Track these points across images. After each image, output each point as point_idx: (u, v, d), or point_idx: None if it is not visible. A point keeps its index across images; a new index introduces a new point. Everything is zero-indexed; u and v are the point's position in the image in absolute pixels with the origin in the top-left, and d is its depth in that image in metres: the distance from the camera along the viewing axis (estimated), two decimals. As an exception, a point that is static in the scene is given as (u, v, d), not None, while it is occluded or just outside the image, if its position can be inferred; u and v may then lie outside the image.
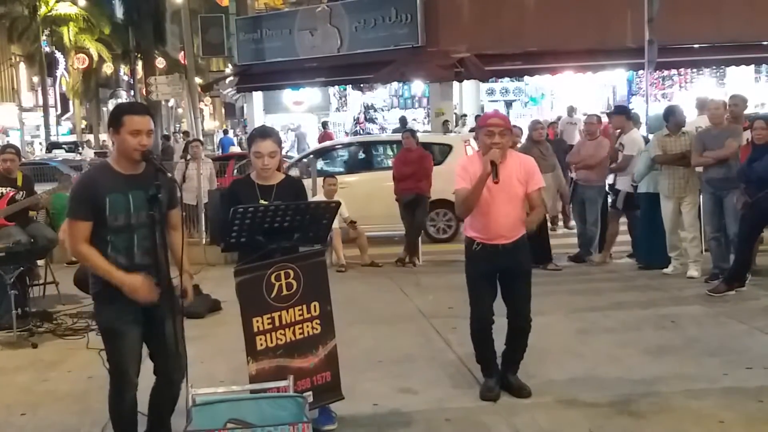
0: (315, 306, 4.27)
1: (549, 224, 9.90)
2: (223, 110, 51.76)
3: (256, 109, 23.58)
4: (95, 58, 33.74)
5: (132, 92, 38.27)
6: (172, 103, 41.94)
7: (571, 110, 18.26)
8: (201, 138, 19.98)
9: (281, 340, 4.15)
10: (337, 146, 14.18)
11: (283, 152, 19.69)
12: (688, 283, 7.94)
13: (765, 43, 17.75)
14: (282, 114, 25.21)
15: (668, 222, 8.25)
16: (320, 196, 9.13)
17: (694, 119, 9.25)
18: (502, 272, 4.71)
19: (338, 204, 4.51)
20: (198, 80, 30.39)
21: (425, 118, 21.84)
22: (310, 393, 4.04)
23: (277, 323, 4.14)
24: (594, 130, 9.39)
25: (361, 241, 9.95)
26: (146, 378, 3.88)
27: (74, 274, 7.35)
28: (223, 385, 4.30)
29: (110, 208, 3.65)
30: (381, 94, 23.11)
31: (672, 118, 8.33)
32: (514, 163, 4.68)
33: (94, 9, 32.82)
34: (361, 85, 22.04)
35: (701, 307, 7.03)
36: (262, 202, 4.24)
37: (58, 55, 34.41)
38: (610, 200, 9.30)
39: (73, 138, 34.34)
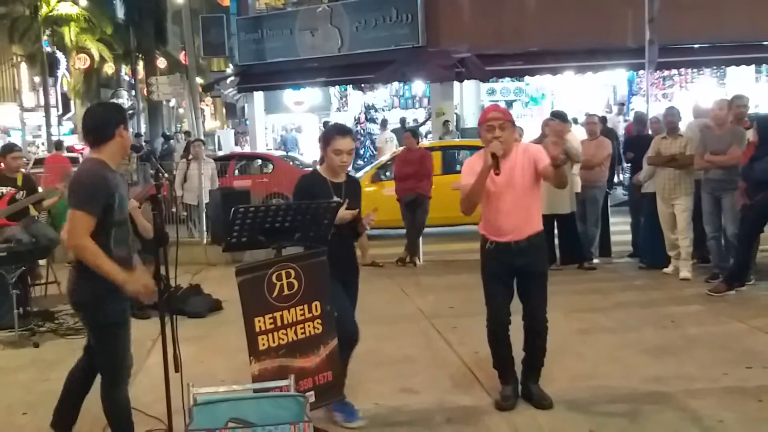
0: (316, 305, 4.28)
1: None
2: (224, 110, 51.70)
3: (257, 109, 23.58)
4: (96, 58, 33.65)
5: (133, 92, 38.22)
6: (173, 103, 41.96)
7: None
8: (202, 138, 20.01)
9: (283, 339, 4.16)
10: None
11: (280, 153, 19.50)
12: (688, 282, 7.95)
13: (765, 43, 17.75)
14: (283, 114, 25.23)
15: (663, 222, 8.28)
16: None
17: (688, 123, 9.23)
18: (518, 272, 4.60)
19: (339, 204, 4.51)
20: (199, 80, 30.38)
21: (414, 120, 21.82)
22: (312, 393, 4.05)
23: (278, 323, 4.15)
24: (595, 130, 9.40)
25: (361, 241, 9.93)
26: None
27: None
28: (224, 384, 4.30)
29: (118, 204, 3.78)
30: (382, 94, 23.10)
31: (664, 119, 8.39)
32: (518, 154, 4.55)
33: (96, 9, 32.74)
34: (362, 85, 22.03)
35: (701, 306, 7.04)
36: (336, 199, 4.37)
37: (60, 55, 34.36)
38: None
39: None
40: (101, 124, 3.81)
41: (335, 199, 4.34)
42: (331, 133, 4.47)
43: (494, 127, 4.47)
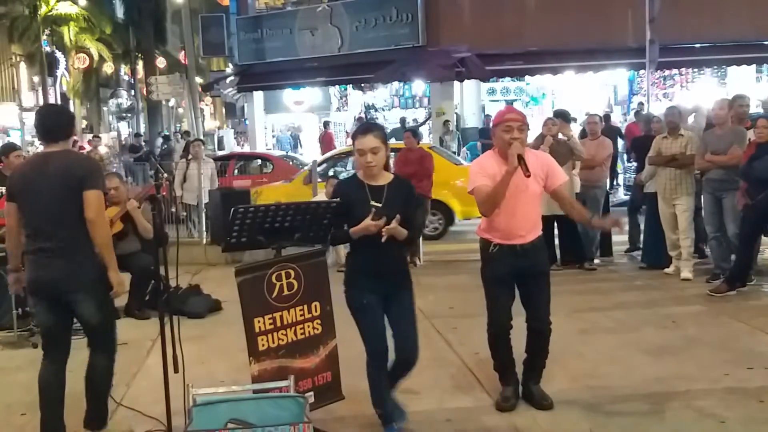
0: (316, 306, 4.27)
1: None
2: (223, 110, 51.68)
3: (257, 108, 23.57)
4: (96, 57, 33.58)
5: (132, 92, 38.20)
6: (172, 102, 41.90)
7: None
8: (202, 137, 19.99)
9: (283, 340, 4.15)
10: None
11: (280, 152, 19.44)
12: (688, 283, 7.93)
13: (766, 42, 17.74)
14: (283, 114, 25.22)
15: (665, 222, 8.27)
16: (321, 197, 9.12)
17: None
18: (520, 274, 4.56)
19: (339, 204, 4.49)
20: (198, 80, 30.33)
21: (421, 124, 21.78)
22: (311, 393, 4.04)
23: (278, 323, 4.14)
24: (596, 130, 9.37)
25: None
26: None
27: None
28: (223, 385, 4.30)
29: None
30: (382, 94, 23.09)
31: (665, 119, 8.39)
32: (530, 159, 4.45)
33: (95, 9, 32.68)
34: (362, 85, 22.01)
35: (702, 306, 7.02)
36: (373, 203, 4.10)
37: (59, 54, 34.29)
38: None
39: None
40: (69, 122, 4.36)
41: (336, 200, 4.26)
42: (354, 133, 4.33)
43: (513, 128, 4.40)
